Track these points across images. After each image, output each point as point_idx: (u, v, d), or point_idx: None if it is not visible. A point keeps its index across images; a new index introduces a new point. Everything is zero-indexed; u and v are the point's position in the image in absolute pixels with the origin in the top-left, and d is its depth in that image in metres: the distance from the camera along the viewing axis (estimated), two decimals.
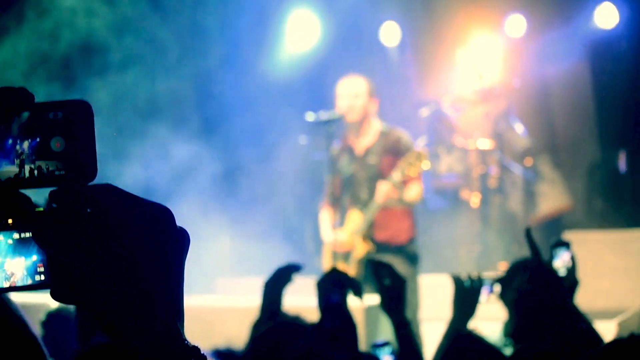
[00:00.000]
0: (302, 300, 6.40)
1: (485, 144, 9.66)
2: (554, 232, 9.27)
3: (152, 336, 1.07)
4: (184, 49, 9.67)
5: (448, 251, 9.87)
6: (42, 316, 4.15)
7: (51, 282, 1.08)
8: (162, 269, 1.08)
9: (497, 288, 4.23)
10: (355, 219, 7.33)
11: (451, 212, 9.94)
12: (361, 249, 7.28)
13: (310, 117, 7.64)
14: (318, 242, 7.90)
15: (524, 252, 7.53)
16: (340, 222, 7.44)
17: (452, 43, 10.29)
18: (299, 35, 10.38)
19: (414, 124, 9.26)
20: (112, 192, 1.08)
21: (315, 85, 9.41)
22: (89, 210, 1.07)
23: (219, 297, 7.77)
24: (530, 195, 9.97)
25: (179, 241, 1.10)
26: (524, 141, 9.96)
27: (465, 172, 9.72)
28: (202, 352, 1.10)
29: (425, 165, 7.18)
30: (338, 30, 10.27)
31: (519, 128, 10.02)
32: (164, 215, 1.09)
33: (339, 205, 7.51)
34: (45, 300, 5.66)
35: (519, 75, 10.13)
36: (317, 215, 7.87)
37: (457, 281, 4.17)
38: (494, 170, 9.69)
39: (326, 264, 7.51)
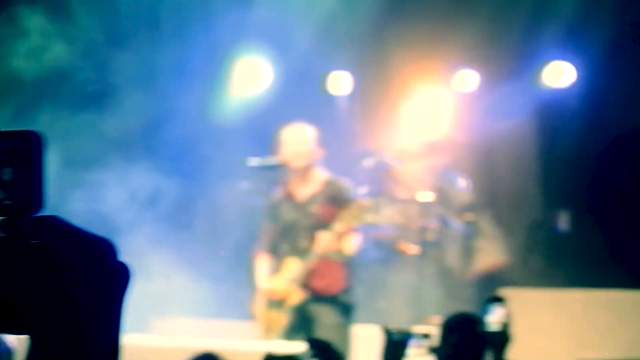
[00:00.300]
0: (229, 343, 6.54)
1: (427, 196, 9.80)
2: (489, 287, 9.38)
3: None
4: (134, 83, 9.78)
5: (383, 302, 9.84)
6: None
7: None
8: (98, 303, 1.10)
9: (425, 342, 4.37)
10: (293, 266, 7.43)
11: (388, 264, 9.93)
12: (296, 297, 7.39)
13: (252, 161, 7.73)
14: (250, 288, 7.97)
15: (458, 306, 7.73)
16: (275, 269, 7.53)
17: (399, 95, 10.46)
18: (248, 80, 10.54)
19: (357, 173, 9.37)
20: (56, 224, 1.10)
21: (259, 130, 9.51)
22: (34, 241, 1.09)
23: (150, 337, 7.84)
24: (468, 250, 10.08)
25: (119, 275, 1.12)
26: (465, 196, 10.10)
27: (405, 224, 9.82)
28: None
29: (367, 217, 7.29)
30: (286, 76, 10.43)
31: (462, 183, 10.16)
32: (105, 248, 1.11)
33: (273, 252, 7.59)
34: None
35: (465, 130, 10.34)
36: (250, 260, 7.93)
37: (387, 333, 4.32)
38: (434, 224, 9.82)
39: (257, 311, 7.59)
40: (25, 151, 1.10)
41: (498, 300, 4.06)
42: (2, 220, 1.10)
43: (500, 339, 4.07)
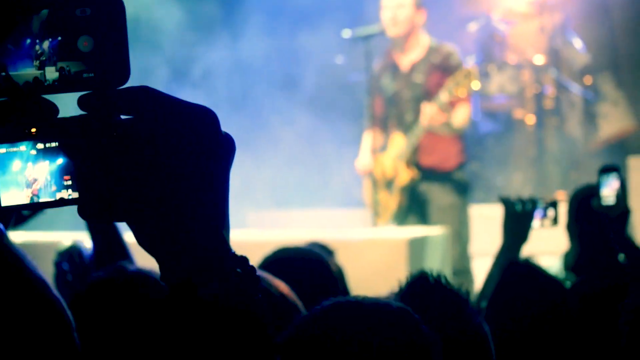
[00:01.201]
0: (334, 233, 6.30)
1: (540, 60, 9.48)
2: (617, 157, 9.12)
3: (198, 248, 1.06)
4: None
5: (500, 179, 9.71)
6: (53, 255, 4.13)
7: (81, 197, 1.06)
8: (207, 176, 1.06)
9: (551, 212, 4.11)
10: (399, 142, 7.15)
11: (503, 136, 9.77)
12: (405, 175, 7.11)
13: (346, 33, 7.45)
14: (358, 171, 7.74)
15: (584, 179, 7.38)
16: (385, 147, 7.27)
17: None
18: None
19: (461, 40, 9.03)
20: (149, 94, 1.05)
21: None
22: (123, 115, 1.05)
23: (250, 231, 7.65)
24: (590, 117, 9.80)
25: (225, 146, 1.08)
26: (582, 57, 9.76)
27: (518, 92, 9.58)
28: (250, 264, 1.09)
29: (475, 85, 6.96)
30: None
31: (577, 43, 9.78)
32: (209, 118, 1.06)
33: (382, 128, 7.32)
34: (57, 238, 5.61)
35: None
36: (355, 142, 7.69)
37: (508, 204, 4.09)
38: (550, 90, 9.52)
39: (367, 196, 7.37)
40: (106, 18, 1.05)
41: (611, 169, 3.70)
42: (84, 95, 1.04)
43: (617, 212, 3.71)
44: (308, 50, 9.65)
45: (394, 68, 7.27)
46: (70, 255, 4.10)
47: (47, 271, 4.21)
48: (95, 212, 1.05)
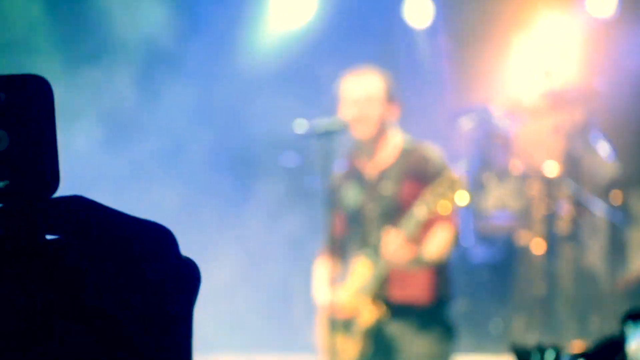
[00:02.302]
0: None
1: (554, 170, 9.69)
2: None
3: None
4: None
5: (497, 323, 9.87)
6: None
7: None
8: (164, 316, 1.04)
9: None
10: (362, 271, 7.27)
11: (502, 268, 9.92)
12: (369, 314, 7.24)
13: (300, 127, 7.60)
14: (310, 307, 7.86)
15: (608, 327, 7.54)
16: (344, 276, 7.37)
17: (507, 26, 10.32)
18: (288, 10, 10.43)
19: (451, 140, 9.21)
20: (88, 208, 1.01)
21: (309, 79, 9.41)
22: (55, 236, 1.01)
23: None
24: (617, 246, 9.96)
25: (186, 277, 1.06)
26: (610, 168, 9.99)
27: (523, 209, 9.75)
28: None
29: (461, 198, 7.09)
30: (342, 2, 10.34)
31: (604, 149, 10.03)
32: (164, 240, 1.04)
33: (343, 253, 7.44)
34: None
35: (604, 73, 10.17)
36: (310, 268, 7.83)
37: (522, 355, 4.22)
38: (566, 209, 9.72)
39: (321, 338, 7.44)
40: (27, 105, 1.01)
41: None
42: None
43: None
44: (253, 145, 9.87)
45: (358, 176, 7.43)
46: None
47: None
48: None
